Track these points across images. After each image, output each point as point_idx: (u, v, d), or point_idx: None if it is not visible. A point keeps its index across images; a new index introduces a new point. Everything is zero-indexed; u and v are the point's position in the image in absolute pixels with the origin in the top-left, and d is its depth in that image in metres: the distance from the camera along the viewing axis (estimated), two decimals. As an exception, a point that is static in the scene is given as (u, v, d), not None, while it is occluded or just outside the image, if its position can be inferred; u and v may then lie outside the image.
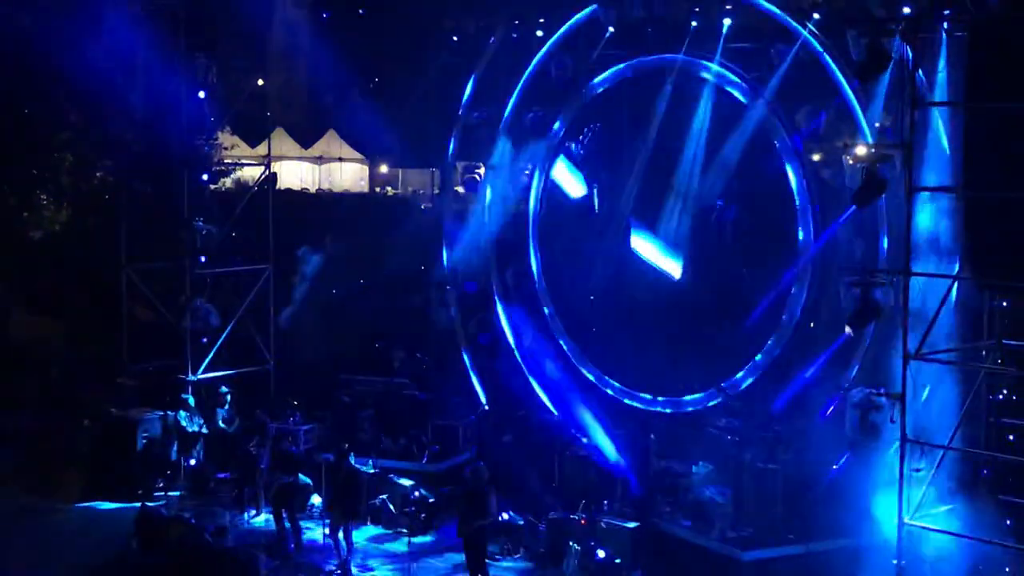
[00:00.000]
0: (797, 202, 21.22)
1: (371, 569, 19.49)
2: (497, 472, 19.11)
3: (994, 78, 15.44)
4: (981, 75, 15.67)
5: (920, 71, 17.05)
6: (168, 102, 23.06)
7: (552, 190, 23.46)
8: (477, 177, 23.14)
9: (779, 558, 18.09)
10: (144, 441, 22.57)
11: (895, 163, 17.77)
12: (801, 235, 21.30)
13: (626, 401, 22.44)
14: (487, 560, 18.41)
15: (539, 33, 22.49)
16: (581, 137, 23.02)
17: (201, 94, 23.39)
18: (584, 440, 20.88)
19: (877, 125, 19.59)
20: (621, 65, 22.27)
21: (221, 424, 22.82)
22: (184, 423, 22.75)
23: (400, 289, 26.53)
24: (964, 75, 16.17)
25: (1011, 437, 18.17)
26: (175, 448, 22.69)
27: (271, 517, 20.57)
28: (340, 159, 31.16)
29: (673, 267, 22.92)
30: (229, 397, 23.05)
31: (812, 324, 21.04)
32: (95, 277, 25.04)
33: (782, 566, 18.05)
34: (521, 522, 19.99)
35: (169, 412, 22.83)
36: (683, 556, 18.74)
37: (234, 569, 18.77)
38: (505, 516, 19.71)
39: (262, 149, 25.90)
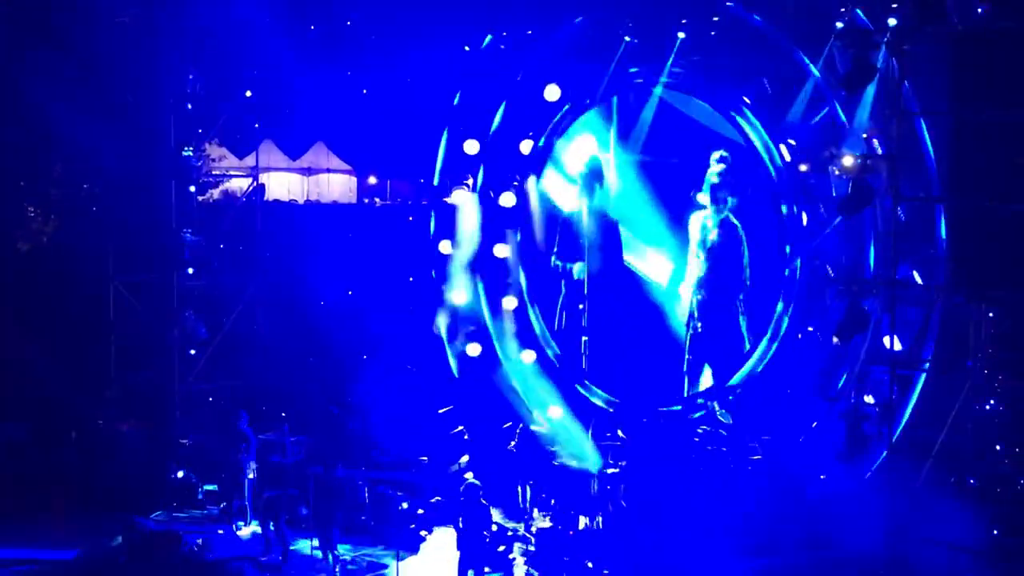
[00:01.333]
0: (784, 211, 21.32)
1: (360, 581, 19.46)
2: (490, 483, 19.10)
3: (979, 88, 15.53)
4: (966, 86, 15.76)
5: (906, 82, 17.13)
6: (156, 113, 23.08)
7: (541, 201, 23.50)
8: (465, 188, 23.14)
9: (767, 567, 18.11)
10: (131, 453, 22.53)
11: (881, 173, 17.88)
12: (788, 246, 21.40)
13: (611, 410, 22.47)
14: (482, 572, 18.41)
15: (526, 44, 22.58)
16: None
17: (189, 106, 23.45)
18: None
19: (864, 135, 19.70)
20: (608, 77, 22.39)
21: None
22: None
23: (388, 300, 26.47)
24: (949, 86, 16.26)
25: (997, 447, 18.28)
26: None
27: (259, 529, 20.54)
28: (328, 170, 31.15)
29: (661, 275, 23.08)
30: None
31: (800, 335, 21.11)
32: (83, 289, 24.94)
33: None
34: (513, 532, 19.98)
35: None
36: (675, 561, 18.75)
37: (222, 581, 18.79)
38: (495, 527, 19.68)
39: (250, 160, 25.93)
